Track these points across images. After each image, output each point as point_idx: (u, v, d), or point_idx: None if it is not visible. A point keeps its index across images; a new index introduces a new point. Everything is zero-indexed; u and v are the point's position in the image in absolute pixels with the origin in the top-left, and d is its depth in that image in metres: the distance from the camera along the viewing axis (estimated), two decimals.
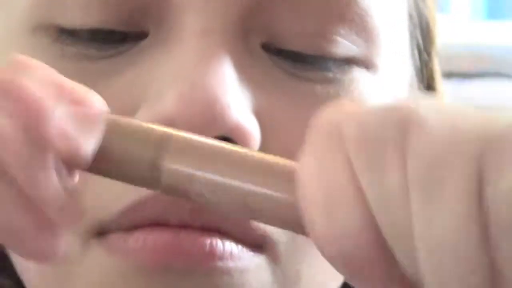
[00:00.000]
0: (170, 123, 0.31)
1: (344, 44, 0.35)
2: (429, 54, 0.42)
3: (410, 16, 0.40)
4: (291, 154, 0.32)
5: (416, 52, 0.41)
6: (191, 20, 0.33)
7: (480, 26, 2.49)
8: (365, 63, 0.36)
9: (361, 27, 0.35)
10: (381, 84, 0.37)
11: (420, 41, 0.41)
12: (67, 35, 0.35)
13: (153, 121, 0.32)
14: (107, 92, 0.33)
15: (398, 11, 0.38)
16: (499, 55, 2.24)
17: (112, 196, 0.33)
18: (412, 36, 0.40)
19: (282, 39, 0.35)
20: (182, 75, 0.32)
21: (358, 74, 0.36)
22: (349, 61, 0.35)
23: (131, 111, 0.34)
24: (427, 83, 0.43)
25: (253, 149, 0.33)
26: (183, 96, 0.31)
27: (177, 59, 0.33)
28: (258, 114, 0.34)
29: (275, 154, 0.32)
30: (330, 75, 0.35)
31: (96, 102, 0.28)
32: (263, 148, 0.33)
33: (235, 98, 0.32)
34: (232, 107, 0.32)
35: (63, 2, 0.35)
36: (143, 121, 0.31)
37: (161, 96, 0.33)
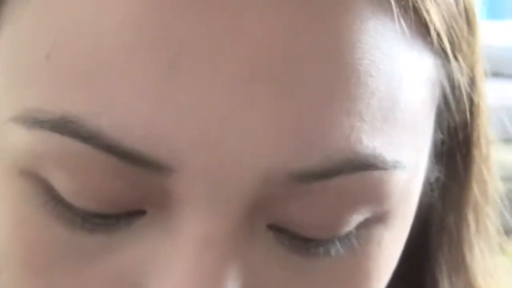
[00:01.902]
0: None
1: (359, 219, 0.32)
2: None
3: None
4: None
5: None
6: (193, 222, 0.31)
7: (480, 26, 2.48)
8: (377, 218, 0.33)
9: (377, 200, 0.32)
10: (391, 232, 0.34)
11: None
12: (59, 200, 0.32)
13: None
14: (103, 273, 0.32)
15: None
16: (499, 55, 2.24)
17: None
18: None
19: (291, 225, 0.32)
20: None
21: (366, 233, 0.33)
22: (362, 226, 0.33)
23: None
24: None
25: None
26: None
27: (175, 265, 0.31)
28: None
29: None
30: (339, 249, 0.32)
31: None
32: None
33: None
34: None
35: (53, 173, 0.31)
36: None
37: None
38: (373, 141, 0.31)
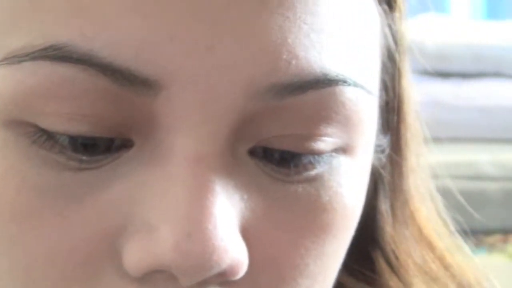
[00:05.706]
0: (165, 268, 0.32)
1: (329, 141, 0.35)
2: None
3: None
4: (273, 260, 0.34)
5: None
6: (182, 142, 0.32)
7: (480, 26, 2.48)
8: (344, 149, 0.36)
9: (346, 124, 0.35)
10: (356, 163, 0.37)
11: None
12: (46, 137, 0.33)
13: (145, 259, 0.32)
14: (93, 208, 0.33)
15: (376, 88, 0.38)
16: (499, 55, 2.24)
17: None
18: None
19: (269, 142, 0.34)
20: (176, 213, 0.32)
21: (336, 162, 0.36)
22: (331, 153, 0.35)
23: (118, 232, 0.33)
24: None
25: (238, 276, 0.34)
26: (180, 246, 0.32)
27: (169, 187, 0.32)
28: (244, 229, 0.34)
29: (258, 264, 0.33)
30: (312, 173, 0.35)
31: None
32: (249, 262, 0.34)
33: (230, 238, 0.32)
34: (228, 249, 0.32)
35: (41, 109, 0.32)
36: (135, 254, 0.32)
37: (152, 231, 0.32)
38: (338, 63, 0.34)
